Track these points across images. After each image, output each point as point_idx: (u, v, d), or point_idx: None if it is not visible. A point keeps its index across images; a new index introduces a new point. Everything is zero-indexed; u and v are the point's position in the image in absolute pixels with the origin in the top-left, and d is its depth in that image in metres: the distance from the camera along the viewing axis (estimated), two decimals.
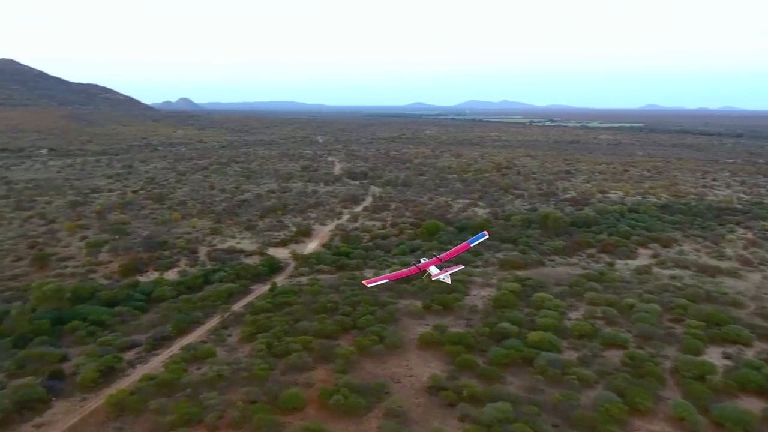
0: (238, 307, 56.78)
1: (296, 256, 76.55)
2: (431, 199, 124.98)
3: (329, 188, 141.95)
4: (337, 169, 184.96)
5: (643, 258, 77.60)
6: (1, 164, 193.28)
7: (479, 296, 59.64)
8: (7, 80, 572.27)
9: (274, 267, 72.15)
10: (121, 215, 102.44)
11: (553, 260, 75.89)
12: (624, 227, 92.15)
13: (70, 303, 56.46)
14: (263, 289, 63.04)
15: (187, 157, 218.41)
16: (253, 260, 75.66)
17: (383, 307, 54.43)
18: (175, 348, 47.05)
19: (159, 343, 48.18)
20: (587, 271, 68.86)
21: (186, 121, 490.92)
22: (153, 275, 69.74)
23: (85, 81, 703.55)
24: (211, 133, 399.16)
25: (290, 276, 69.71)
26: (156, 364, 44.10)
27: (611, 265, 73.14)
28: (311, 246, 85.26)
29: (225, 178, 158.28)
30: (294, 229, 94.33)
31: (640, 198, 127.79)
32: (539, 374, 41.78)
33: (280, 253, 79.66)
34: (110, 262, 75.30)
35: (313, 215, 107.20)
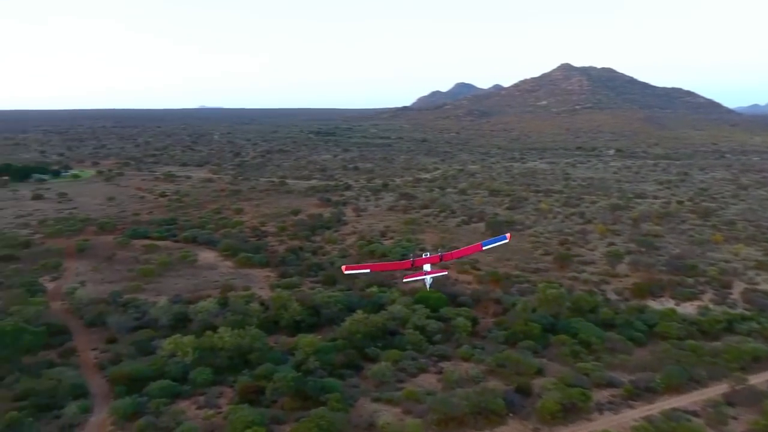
0: (759, 380, 42.19)
1: None
2: None
3: None
4: None
5: None
6: (571, 161, 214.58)
7: None
8: (602, 86, 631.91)
9: None
10: (655, 226, 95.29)
11: None
12: None
13: (568, 312, 54.94)
14: None
15: (756, 169, 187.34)
16: None
17: None
18: (656, 408, 38.25)
19: (640, 393, 40.28)
20: None
21: None
22: (666, 303, 60.76)
23: (669, 85, 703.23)
24: None
25: None
26: (626, 419, 36.74)
27: None
28: None
29: None
30: None
31: None
32: None
33: None
34: (626, 276, 70.37)
35: None
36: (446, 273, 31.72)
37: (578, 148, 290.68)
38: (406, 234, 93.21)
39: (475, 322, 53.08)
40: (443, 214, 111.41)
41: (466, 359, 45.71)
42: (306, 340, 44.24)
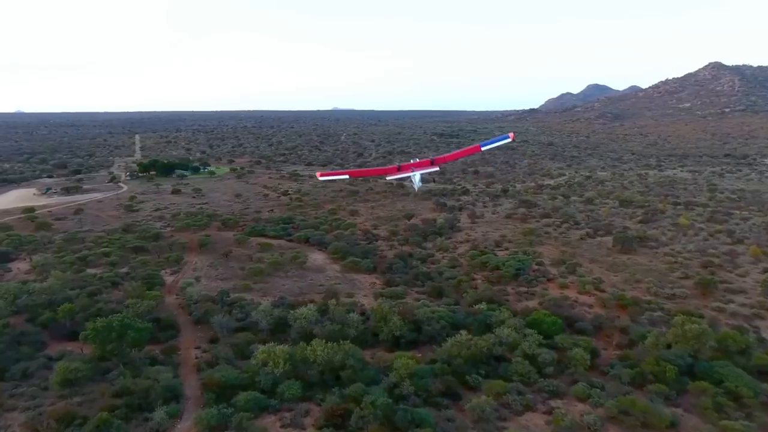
0: None
1: None
2: None
3: None
4: None
5: None
6: (717, 170, 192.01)
7: None
8: (758, 87, 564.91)
9: None
10: None
11: None
12: None
13: (711, 352, 46.67)
14: None
15: None
16: None
17: None
18: None
19: None
20: None
21: None
22: None
23: None
24: None
25: None
26: None
27: None
28: None
29: None
30: None
31: None
32: None
33: None
34: None
35: None
36: (438, 169, 28.45)
37: (727, 155, 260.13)
38: (523, 245, 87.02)
39: (594, 354, 46.81)
40: (565, 225, 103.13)
41: (581, 399, 39.86)
42: (402, 361, 41.14)
